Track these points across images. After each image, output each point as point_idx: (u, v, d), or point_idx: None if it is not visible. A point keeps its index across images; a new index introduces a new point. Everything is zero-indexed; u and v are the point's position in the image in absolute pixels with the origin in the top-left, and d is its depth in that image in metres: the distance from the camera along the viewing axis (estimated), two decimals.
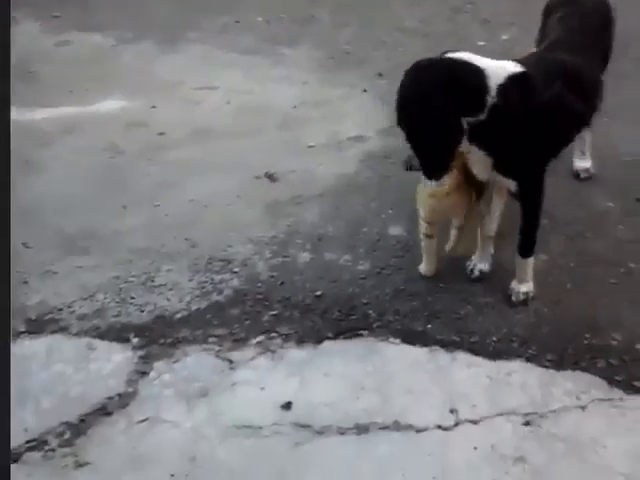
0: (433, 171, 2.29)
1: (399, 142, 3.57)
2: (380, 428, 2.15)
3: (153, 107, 4.27)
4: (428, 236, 2.67)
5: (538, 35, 2.90)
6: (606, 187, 3.19)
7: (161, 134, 3.95)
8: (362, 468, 2.03)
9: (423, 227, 2.65)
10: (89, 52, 5.05)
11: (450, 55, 2.25)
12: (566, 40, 2.57)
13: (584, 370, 2.30)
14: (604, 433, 2.07)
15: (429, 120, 2.13)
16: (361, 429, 2.15)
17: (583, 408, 2.16)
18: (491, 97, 2.16)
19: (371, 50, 4.72)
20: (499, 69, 2.21)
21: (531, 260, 2.57)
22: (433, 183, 2.40)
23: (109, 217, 3.22)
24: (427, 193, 2.52)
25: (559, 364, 2.32)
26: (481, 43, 4.71)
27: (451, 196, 2.47)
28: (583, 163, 3.24)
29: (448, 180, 2.39)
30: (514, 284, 2.60)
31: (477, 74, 2.17)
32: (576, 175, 3.25)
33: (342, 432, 2.14)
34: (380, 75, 4.37)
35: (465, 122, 2.19)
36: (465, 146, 2.26)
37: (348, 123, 3.93)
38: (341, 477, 2.02)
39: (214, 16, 5.67)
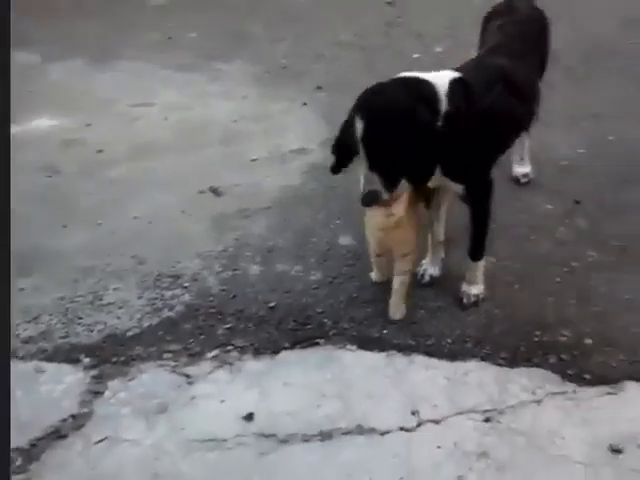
0: (421, 182, 2.31)
1: None
2: (344, 433, 2.15)
3: (88, 125, 4.20)
4: (378, 255, 2.69)
5: (479, 43, 2.98)
6: (545, 191, 3.30)
7: (99, 151, 3.89)
8: (328, 473, 2.03)
9: (372, 247, 2.67)
10: (16, 70, 4.90)
11: (397, 76, 2.29)
12: (505, 46, 2.66)
13: (537, 366, 2.35)
14: (561, 424, 2.13)
15: (412, 132, 2.13)
16: (325, 435, 2.14)
17: (539, 402, 2.21)
18: (443, 105, 2.22)
19: (308, 64, 4.77)
20: (441, 78, 2.28)
21: (481, 263, 2.63)
22: (380, 213, 2.36)
23: (50, 237, 3.14)
24: (376, 226, 2.49)
25: (513, 361, 2.38)
26: (416, 55, 4.83)
27: (399, 229, 2.43)
28: (522, 168, 3.34)
29: (398, 210, 2.35)
30: (465, 287, 2.65)
31: (428, 86, 2.23)
32: (516, 180, 3.35)
33: (306, 439, 2.13)
34: (319, 88, 4.42)
35: None
36: None
37: (290, 136, 3.96)
38: None
39: (145, 33, 5.64)
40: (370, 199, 2.23)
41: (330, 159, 2.46)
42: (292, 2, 6.23)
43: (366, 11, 5.91)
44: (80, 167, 3.72)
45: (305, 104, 4.27)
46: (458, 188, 2.46)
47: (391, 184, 2.22)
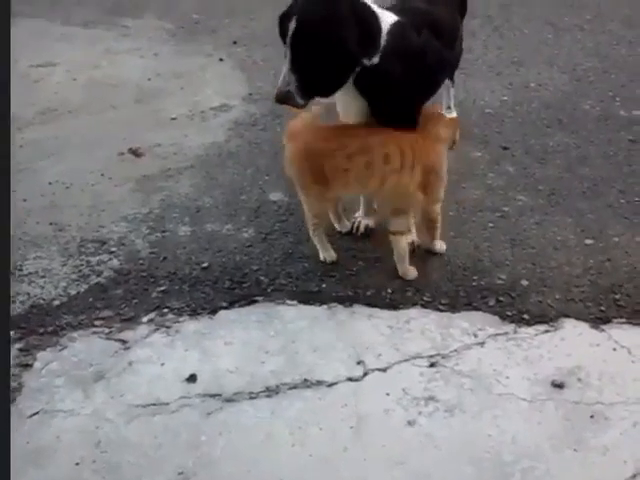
0: (329, 90, 2.26)
1: (264, 109, 3.59)
2: (290, 388, 2.11)
3: None
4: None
5: None
6: (473, 138, 3.32)
7: None
8: (278, 427, 1.99)
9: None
10: None
11: None
12: None
13: (477, 309, 2.38)
14: (504, 364, 2.16)
15: (339, 41, 2.08)
16: (271, 391, 2.10)
17: (481, 344, 2.24)
18: (383, 40, 2.18)
19: (222, 19, 4.61)
20: (385, 15, 2.23)
21: None
22: None
23: None
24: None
25: (453, 307, 2.39)
26: None
27: None
28: (450, 117, 3.35)
29: None
30: None
31: (375, 16, 2.18)
32: None
33: (253, 396, 2.08)
34: (235, 43, 4.29)
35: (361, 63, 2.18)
36: (345, 90, 2.26)
37: (209, 93, 3.83)
38: (259, 437, 1.96)
39: None
40: (284, 98, 2.19)
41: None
42: None
43: None
44: None
45: (222, 60, 4.13)
46: None
47: (306, 92, 2.19)
